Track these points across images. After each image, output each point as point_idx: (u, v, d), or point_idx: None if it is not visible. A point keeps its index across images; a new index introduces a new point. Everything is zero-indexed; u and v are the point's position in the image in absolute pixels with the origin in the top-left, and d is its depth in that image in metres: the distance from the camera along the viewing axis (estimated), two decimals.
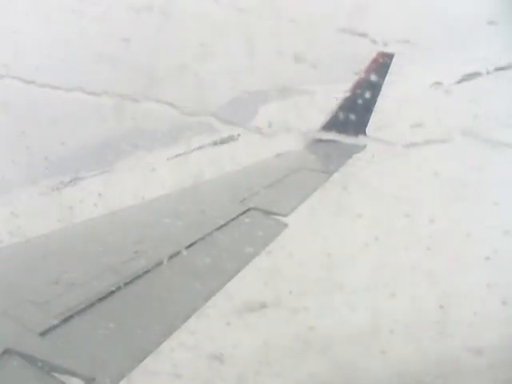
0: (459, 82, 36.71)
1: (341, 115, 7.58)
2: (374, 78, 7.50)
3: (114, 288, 3.28)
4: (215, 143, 38.88)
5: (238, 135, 35.36)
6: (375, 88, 7.69)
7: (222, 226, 4.49)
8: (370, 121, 8.04)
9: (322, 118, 7.95)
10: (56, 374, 2.53)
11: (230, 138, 37.39)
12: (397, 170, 21.19)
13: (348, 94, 7.72)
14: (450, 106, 24.60)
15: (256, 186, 5.50)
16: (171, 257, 3.84)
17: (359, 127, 7.76)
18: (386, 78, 7.79)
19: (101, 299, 3.15)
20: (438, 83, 36.22)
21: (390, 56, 7.82)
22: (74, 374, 2.53)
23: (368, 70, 7.64)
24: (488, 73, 33.82)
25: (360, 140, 7.70)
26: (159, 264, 3.71)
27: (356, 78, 7.86)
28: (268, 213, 4.98)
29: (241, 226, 4.66)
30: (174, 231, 4.48)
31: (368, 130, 7.97)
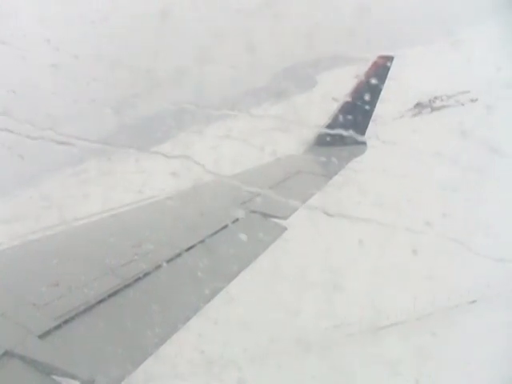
0: None
1: (341, 118, 7.56)
2: (373, 81, 7.49)
3: (113, 290, 3.29)
4: None
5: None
6: (375, 91, 7.67)
7: (221, 229, 4.49)
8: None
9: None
10: (55, 377, 2.53)
11: None
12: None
13: (348, 98, 7.71)
14: None
15: (256, 189, 5.50)
16: (171, 259, 3.84)
17: (359, 131, 7.75)
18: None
19: (100, 301, 3.16)
20: None
21: (390, 59, 7.82)
22: (73, 376, 2.53)
23: (368, 74, 7.63)
24: None
25: (359, 143, 7.69)
26: (159, 266, 3.71)
27: (356, 80, 7.85)
28: (268, 215, 4.98)
29: (240, 228, 4.66)
30: (174, 234, 4.49)
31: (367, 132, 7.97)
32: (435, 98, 46.16)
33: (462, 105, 42.68)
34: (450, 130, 27.15)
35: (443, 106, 45.10)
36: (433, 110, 45.40)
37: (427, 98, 46.06)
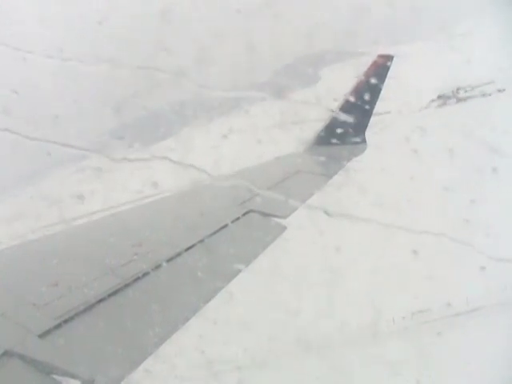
0: None
1: (341, 118, 7.56)
2: (373, 81, 7.49)
3: (113, 290, 3.29)
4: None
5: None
6: (375, 91, 7.66)
7: (221, 229, 4.49)
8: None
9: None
10: (55, 376, 2.54)
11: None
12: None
13: (348, 97, 7.70)
14: None
15: (255, 189, 5.50)
16: (171, 259, 3.84)
17: (358, 130, 7.75)
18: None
19: (100, 301, 3.16)
20: None
21: (390, 58, 7.82)
22: (73, 375, 2.53)
23: (368, 73, 7.62)
24: None
25: (359, 143, 7.69)
26: (159, 266, 3.71)
27: (356, 80, 7.84)
28: (267, 215, 4.98)
29: (240, 228, 4.67)
30: (173, 233, 4.49)
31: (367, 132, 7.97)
32: (458, 89, 44.67)
33: (489, 95, 41.78)
34: (481, 120, 26.65)
35: (469, 97, 43.42)
36: (458, 100, 44.08)
37: (450, 90, 44.85)
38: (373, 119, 7.76)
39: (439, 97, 44.57)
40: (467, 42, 42.74)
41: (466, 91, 44.22)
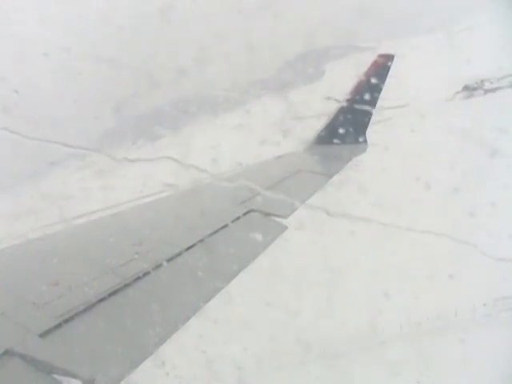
0: None
1: (341, 117, 7.56)
2: (374, 80, 7.49)
3: (113, 289, 3.28)
4: None
5: None
6: (375, 90, 7.66)
7: (221, 228, 4.48)
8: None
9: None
10: (56, 376, 2.53)
11: None
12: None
13: (349, 96, 7.70)
14: None
15: (256, 188, 5.49)
16: (171, 258, 3.84)
17: (359, 130, 7.74)
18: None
19: (100, 300, 3.15)
20: None
21: (391, 57, 7.82)
22: (73, 375, 2.52)
23: (368, 73, 7.62)
24: None
25: (360, 143, 7.69)
26: (159, 266, 3.70)
27: (356, 80, 7.84)
28: (268, 214, 4.97)
29: (240, 227, 4.66)
30: (174, 233, 4.48)
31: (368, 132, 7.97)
32: (482, 80, 43.42)
33: None
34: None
35: (497, 88, 42.12)
36: (486, 92, 42.67)
37: (473, 82, 43.68)
38: (373, 119, 7.75)
39: (464, 89, 43.39)
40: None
41: (491, 82, 43.09)
